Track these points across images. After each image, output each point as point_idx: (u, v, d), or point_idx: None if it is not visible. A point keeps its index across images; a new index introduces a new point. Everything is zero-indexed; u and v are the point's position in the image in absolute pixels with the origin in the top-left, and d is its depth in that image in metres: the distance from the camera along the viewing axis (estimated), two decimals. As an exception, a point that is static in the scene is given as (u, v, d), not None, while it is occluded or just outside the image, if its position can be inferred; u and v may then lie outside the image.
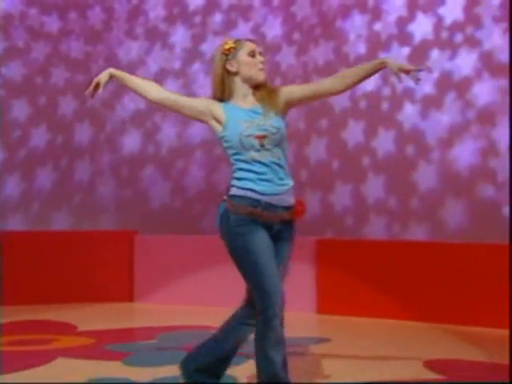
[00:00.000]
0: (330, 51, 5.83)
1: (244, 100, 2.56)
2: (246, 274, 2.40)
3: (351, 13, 5.79)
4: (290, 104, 2.56)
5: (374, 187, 5.56)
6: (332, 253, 5.26)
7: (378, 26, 5.70)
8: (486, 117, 5.17)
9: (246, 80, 2.55)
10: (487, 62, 5.24)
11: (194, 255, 5.61)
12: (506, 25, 5.16)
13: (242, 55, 2.56)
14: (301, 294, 5.20)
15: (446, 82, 5.40)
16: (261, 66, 2.56)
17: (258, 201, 2.41)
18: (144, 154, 6.36)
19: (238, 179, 2.46)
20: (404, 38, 5.59)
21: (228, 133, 2.49)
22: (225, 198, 2.49)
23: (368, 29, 5.75)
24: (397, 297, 4.92)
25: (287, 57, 6.05)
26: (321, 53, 5.84)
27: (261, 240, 2.38)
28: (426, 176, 5.41)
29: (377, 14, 5.72)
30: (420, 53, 5.49)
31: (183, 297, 5.55)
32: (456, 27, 5.40)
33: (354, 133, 5.68)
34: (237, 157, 2.47)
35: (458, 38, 5.38)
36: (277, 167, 2.46)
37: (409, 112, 5.53)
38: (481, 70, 5.27)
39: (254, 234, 2.38)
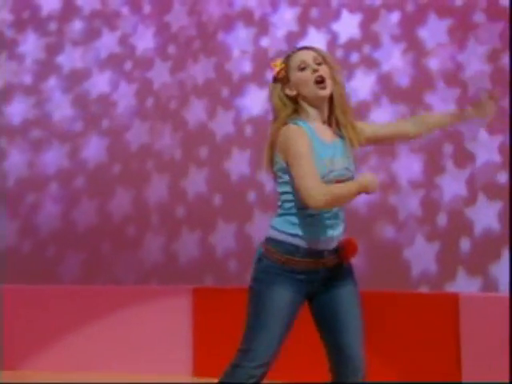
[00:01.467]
0: (211, 68, 5.84)
1: (321, 127, 2.45)
2: (247, 323, 2.44)
3: (235, 25, 5.84)
4: (368, 142, 2.53)
5: (262, 227, 5.50)
6: (212, 303, 5.15)
7: (265, 42, 5.77)
8: (386, 147, 5.26)
9: (310, 102, 2.43)
10: (386, 86, 5.39)
11: (54, 310, 5.35)
12: (405, 45, 5.33)
13: (294, 73, 2.45)
14: (174, 353, 5.06)
15: None
16: (316, 77, 2.43)
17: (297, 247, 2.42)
18: (-16, 187, 6.19)
19: (293, 224, 2.41)
20: None
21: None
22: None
23: (254, 44, 5.80)
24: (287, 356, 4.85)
25: (161, 73, 5.99)
26: (200, 70, 5.83)
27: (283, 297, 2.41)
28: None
29: (264, 27, 5.79)
30: None
31: (51, 362, 5.28)
32: (352, 45, 5.53)
33: (238, 163, 5.65)
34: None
35: (354, 57, 5.51)
36: (339, 211, 2.47)
37: None
38: (379, 94, 5.41)
39: (277, 288, 2.41)
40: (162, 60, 6.00)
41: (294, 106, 2.45)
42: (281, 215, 2.48)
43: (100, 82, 6.10)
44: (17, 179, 6.17)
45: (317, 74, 2.43)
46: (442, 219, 5.11)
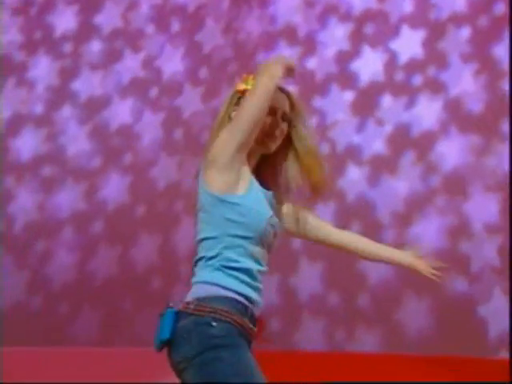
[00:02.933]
0: (249, 94, 5.85)
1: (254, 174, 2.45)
2: None
3: (277, 44, 5.89)
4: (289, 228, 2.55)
5: (309, 279, 5.53)
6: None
7: (312, 63, 5.80)
8: (456, 184, 5.29)
9: (259, 144, 2.41)
10: (455, 113, 5.41)
11: (66, 376, 5.26)
12: (477, 65, 5.36)
13: None
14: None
15: (401, 138, 5.51)
16: (276, 131, 2.42)
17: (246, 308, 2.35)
18: (-11, 232, 6.22)
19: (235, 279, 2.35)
20: (346, 78, 5.71)
21: (249, 206, 2.35)
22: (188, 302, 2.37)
23: (299, 66, 5.78)
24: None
25: (192, 101, 6.01)
26: None
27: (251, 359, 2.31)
28: (377, 265, 5.33)
29: (310, 46, 5.84)
30: (367, 99, 5.62)
31: None
32: (414, 67, 5.57)
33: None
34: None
35: (417, 80, 5.54)
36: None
37: (354, 177, 5.59)
38: (447, 123, 5.42)
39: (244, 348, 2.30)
40: (193, 85, 6.04)
41: None
42: (218, 269, 2.37)
43: (121, 111, 6.15)
44: (26, 224, 6.19)
45: (279, 129, 2.42)
46: (524, 270, 5.07)
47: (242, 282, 2.34)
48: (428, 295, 5.27)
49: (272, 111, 2.42)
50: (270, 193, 2.45)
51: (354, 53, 5.73)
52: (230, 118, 2.42)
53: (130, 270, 5.93)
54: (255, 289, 2.36)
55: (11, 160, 6.22)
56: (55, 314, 5.98)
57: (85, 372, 5.24)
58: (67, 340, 5.88)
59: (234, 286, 2.33)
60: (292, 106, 2.47)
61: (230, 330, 2.29)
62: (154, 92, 6.13)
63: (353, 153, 5.61)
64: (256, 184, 2.40)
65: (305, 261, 5.61)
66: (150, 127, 6.06)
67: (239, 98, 2.44)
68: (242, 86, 2.46)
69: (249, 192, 2.36)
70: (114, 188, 6.04)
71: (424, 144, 5.41)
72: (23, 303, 6.03)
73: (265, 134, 2.40)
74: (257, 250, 2.37)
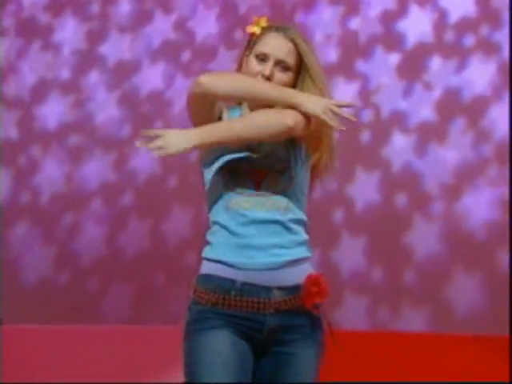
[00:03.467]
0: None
1: None
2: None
3: (318, 4, 5.86)
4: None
5: (351, 254, 5.52)
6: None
7: (354, 23, 5.78)
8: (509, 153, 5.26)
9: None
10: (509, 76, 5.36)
11: (96, 355, 5.32)
12: None
13: (251, 56, 2.46)
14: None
15: (451, 104, 5.48)
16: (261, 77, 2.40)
17: (231, 281, 2.27)
18: (15, 204, 6.20)
19: (217, 247, 2.35)
20: (391, 40, 5.68)
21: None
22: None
23: (341, 27, 5.80)
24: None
25: (226, 65, 5.94)
26: None
27: (217, 342, 2.22)
28: (424, 238, 5.43)
29: (353, 5, 5.81)
30: (414, 61, 5.59)
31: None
32: (465, 26, 5.53)
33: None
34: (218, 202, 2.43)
35: (469, 41, 5.51)
36: (287, 222, 2.34)
37: (400, 146, 5.57)
38: (501, 87, 5.38)
39: (212, 331, 2.23)
40: (228, 48, 6.01)
41: None
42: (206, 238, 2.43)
43: (152, 77, 6.14)
44: (52, 196, 6.21)
45: (264, 77, 2.40)
46: None
47: (218, 245, 2.33)
48: (479, 270, 5.25)
49: (262, 58, 2.41)
50: None
51: (400, 12, 5.68)
52: (242, 61, 2.48)
53: (162, 244, 5.94)
54: (242, 247, 2.29)
55: (37, 128, 6.23)
56: (83, 290, 6.02)
57: (115, 351, 5.33)
58: (96, 318, 5.92)
59: (208, 253, 2.35)
60: (299, 54, 2.42)
61: (200, 313, 2.27)
62: (186, 56, 6.10)
63: (398, 119, 5.58)
64: None
65: (346, 234, 5.60)
66: (183, 93, 5.96)
67: (249, 41, 2.46)
68: (252, 29, 2.48)
69: None
70: (145, 158, 6.04)
71: (475, 110, 5.37)
72: (50, 279, 6.09)
73: None
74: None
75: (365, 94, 5.64)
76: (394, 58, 5.64)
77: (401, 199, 5.52)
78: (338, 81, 5.69)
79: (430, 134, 5.51)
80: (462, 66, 5.44)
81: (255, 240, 2.28)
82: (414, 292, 5.41)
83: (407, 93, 5.57)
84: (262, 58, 2.39)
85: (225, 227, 2.32)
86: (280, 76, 2.38)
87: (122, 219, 6.06)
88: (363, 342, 5.06)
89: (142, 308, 5.90)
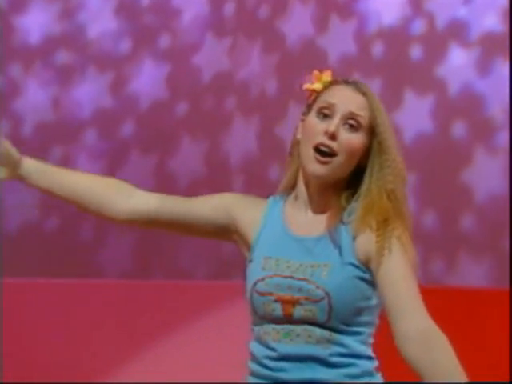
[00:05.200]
0: None
1: (300, 216, 2.36)
2: None
3: None
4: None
5: None
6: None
7: None
8: None
9: (303, 172, 2.34)
10: None
11: (92, 313, 5.34)
12: None
13: (311, 112, 2.33)
14: None
15: None
16: (321, 141, 2.27)
17: None
18: None
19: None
20: None
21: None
22: None
23: None
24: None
25: None
26: None
27: None
28: (486, 176, 5.51)
29: None
30: None
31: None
32: None
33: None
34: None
35: None
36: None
37: (458, 62, 5.58)
38: None
39: None
40: None
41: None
42: None
43: None
44: (37, 125, 6.18)
45: (328, 135, 2.25)
46: None
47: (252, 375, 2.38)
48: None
49: (326, 113, 2.27)
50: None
51: None
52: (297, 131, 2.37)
53: (170, 183, 6.00)
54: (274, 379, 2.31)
55: (16, 43, 6.15)
56: (76, 239, 6.07)
57: (114, 309, 5.36)
58: (91, 271, 5.97)
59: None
60: (372, 111, 2.29)
61: None
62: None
63: (457, 30, 5.58)
64: None
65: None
66: (192, 1, 6.06)
67: (309, 104, 2.35)
68: (313, 86, 2.36)
69: None
70: (148, 79, 6.06)
71: None
72: (35, 226, 6.12)
73: (309, 151, 2.27)
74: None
75: (415, 0, 5.62)
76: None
77: (459, 128, 5.57)
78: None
79: (495, 49, 5.50)
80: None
81: (287, 375, 2.31)
82: (474, 241, 5.48)
83: None
84: (326, 114, 2.25)
85: (257, 360, 2.37)
86: (347, 137, 2.24)
87: (121, 154, 6.07)
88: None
89: (145, 260, 5.98)
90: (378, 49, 5.79)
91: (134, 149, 6.05)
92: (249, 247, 2.37)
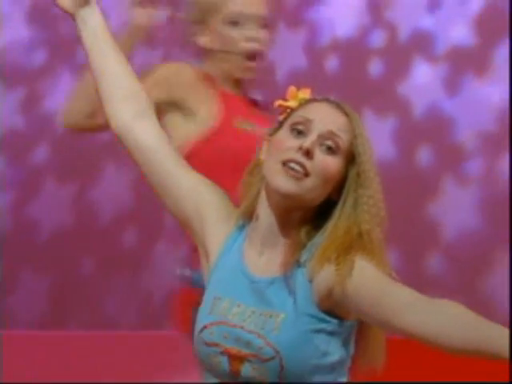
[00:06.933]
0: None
1: (256, 253, 2.34)
2: None
3: None
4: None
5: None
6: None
7: None
8: None
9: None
10: None
11: None
12: None
13: (283, 129, 2.33)
14: None
15: (494, 21, 5.55)
16: (297, 156, 2.23)
17: None
18: None
19: None
20: None
21: None
22: None
23: None
24: None
25: None
26: None
27: None
28: (456, 209, 5.55)
29: None
30: None
31: None
32: None
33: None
34: None
35: None
36: None
37: (423, 80, 5.65)
38: None
39: None
40: None
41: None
42: None
43: None
44: None
45: (302, 151, 2.20)
46: None
47: None
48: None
49: (300, 129, 2.23)
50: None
51: None
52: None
53: (91, 216, 5.99)
54: None
55: None
56: None
57: (28, 362, 5.36)
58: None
59: None
60: (355, 136, 2.26)
61: None
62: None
63: (422, 43, 5.65)
64: None
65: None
66: (120, 7, 5.94)
67: (281, 121, 2.31)
68: (287, 103, 2.30)
69: None
70: (65, 94, 5.93)
71: None
72: None
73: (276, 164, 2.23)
74: None
75: (375, 8, 5.69)
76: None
77: (424, 154, 5.60)
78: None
79: (465, 64, 5.56)
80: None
81: None
82: (442, 282, 5.53)
83: (434, 5, 5.60)
84: (301, 130, 2.22)
85: None
86: (324, 158, 2.20)
87: (34, 183, 6.02)
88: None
89: (62, 307, 5.91)
90: (331, 63, 5.81)
91: (50, 176, 6.01)
92: (208, 266, 2.34)
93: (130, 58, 2.56)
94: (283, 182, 2.16)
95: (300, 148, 2.15)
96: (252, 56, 3.30)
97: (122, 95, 2.41)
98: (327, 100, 2.26)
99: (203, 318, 2.27)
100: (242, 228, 2.33)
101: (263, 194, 2.25)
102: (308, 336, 2.19)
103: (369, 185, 2.21)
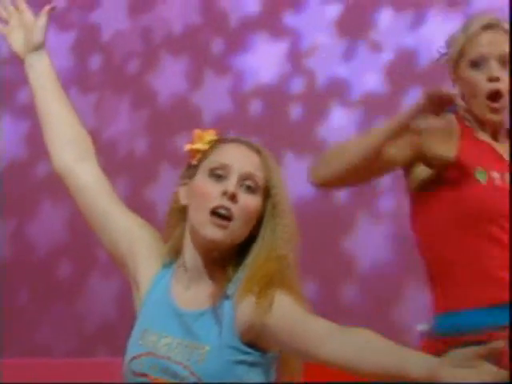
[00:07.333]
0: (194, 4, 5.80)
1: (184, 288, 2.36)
2: None
3: None
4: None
5: None
6: None
7: None
8: None
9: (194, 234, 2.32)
10: None
11: None
12: None
13: (200, 175, 2.34)
14: None
15: (405, 69, 5.53)
16: (223, 201, 2.25)
17: None
18: None
19: None
20: None
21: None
22: None
23: None
24: None
25: (115, 17, 5.95)
26: (178, 8, 5.89)
27: None
28: (369, 243, 5.51)
29: None
30: (357, 15, 5.63)
31: None
32: None
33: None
34: None
35: None
36: None
37: (340, 123, 5.62)
38: None
39: None
40: None
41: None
42: None
43: None
44: None
45: (227, 196, 2.24)
46: None
47: None
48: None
49: (219, 174, 2.26)
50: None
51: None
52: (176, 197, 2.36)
53: (28, 251, 5.96)
54: None
55: None
56: None
57: None
58: None
59: None
60: (268, 171, 2.30)
61: None
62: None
63: (338, 89, 5.62)
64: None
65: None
66: (55, 53, 5.94)
67: (189, 166, 2.35)
68: (193, 146, 2.35)
69: None
70: (5, 137, 6.04)
71: (435, 77, 5.24)
72: None
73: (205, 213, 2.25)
74: None
75: (295, 57, 5.68)
76: (333, 11, 5.66)
77: (341, 192, 5.50)
78: (260, 39, 5.77)
79: (378, 109, 5.51)
80: (417, 22, 5.48)
81: None
82: (357, 313, 5.44)
83: (349, 55, 5.63)
84: (220, 174, 2.24)
85: None
86: (245, 200, 2.23)
87: None
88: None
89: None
90: (255, 107, 5.81)
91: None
92: (139, 298, 2.36)
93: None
94: (210, 231, 2.19)
95: (224, 193, 2.18)
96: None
97: (66, 139, 2.47)
98: (238, 140, 2.31)
99: (133, 348, 2.28)
100: (169, 265, 2.33)
101: (187, 234, 2.28)
102: (230, 366, 2.19)
103: (284, 214, 2.25)
